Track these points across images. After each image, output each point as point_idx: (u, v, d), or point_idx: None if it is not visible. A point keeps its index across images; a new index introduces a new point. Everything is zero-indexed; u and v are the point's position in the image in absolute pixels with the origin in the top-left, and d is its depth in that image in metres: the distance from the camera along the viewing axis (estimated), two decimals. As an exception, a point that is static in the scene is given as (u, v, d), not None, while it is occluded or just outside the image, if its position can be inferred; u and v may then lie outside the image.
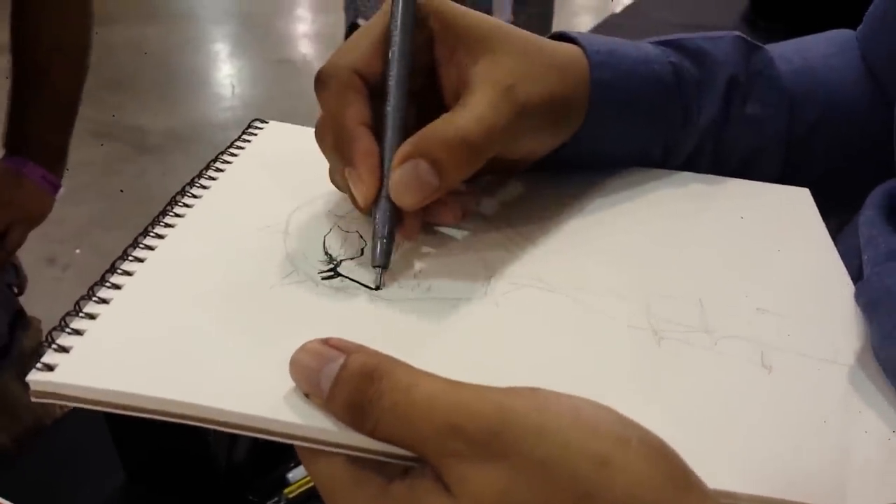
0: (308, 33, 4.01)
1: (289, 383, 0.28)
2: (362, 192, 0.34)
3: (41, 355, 0.29)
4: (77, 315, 0.31)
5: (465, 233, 0.38)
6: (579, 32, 0.42)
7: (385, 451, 0.26)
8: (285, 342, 0.28)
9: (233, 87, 3.38)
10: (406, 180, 0.33)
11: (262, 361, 0.29)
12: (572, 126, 0.40)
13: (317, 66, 0.37)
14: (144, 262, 0.34)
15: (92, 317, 0.31)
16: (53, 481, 0.66)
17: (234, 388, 0.28)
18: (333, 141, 0.35)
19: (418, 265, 0.35)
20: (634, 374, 0.31)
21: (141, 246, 0.35)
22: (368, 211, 0.35)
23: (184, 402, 0.27)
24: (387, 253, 0.34)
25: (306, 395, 0.27)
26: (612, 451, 0.24)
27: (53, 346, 0.29)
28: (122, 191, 2.41)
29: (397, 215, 0.35)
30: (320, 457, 0.27)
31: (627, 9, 1.77)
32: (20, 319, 0.94)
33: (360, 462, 0.27)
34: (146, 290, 0.33)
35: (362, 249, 0.36)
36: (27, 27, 0.93)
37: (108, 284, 0.32)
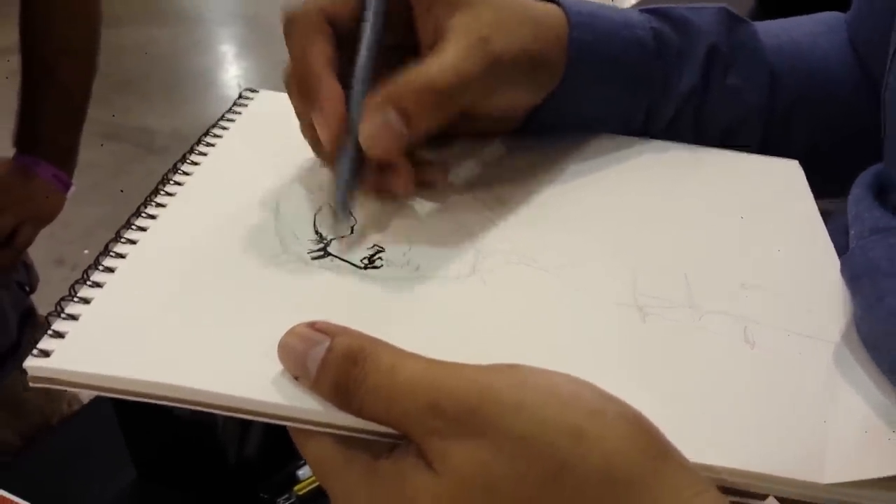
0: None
1: (278, 365, 0.28)
2: (326, 135, 0.34)
3: (38, 340, 0.29)
4: (72, 300, 0.31)
5: (453, 208, 0.38)
6: None
7: (372, 430, 0.27)
8: (275, 324, 0.28)
9: (240, 88, 3.38)
10: (376, 128, 0.34)
11: (253, 343, 0.29)
12: (549, 84, 0.40)
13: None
14: (136, 245, 0.34)
15: (86, 301, 0.31)
16: (64, 477, 0.66)
17: (225, 370, 0.28)
18: (297, 82, 0.35)
19: (407, 243, 0.36)
20: (619, 351, 0.32)
21: (133, 228, 0.35)
22: (332, 158, 0.35)
23: (176, 386, 0.28)
24: (345, 203, 0.35)
25: (295, 378, 0.28)
26: (587, 423, 0.24)
27: (49, 332, 0.30)
28: (121, 190, 2.42)
29: (360, 166, 0.35)
30: (311, 437, 0.28)
31: (635, 5, 1.76)
32: (30, 318, 0.95)
33: (348, 441, 0.27)
34: (138, 273, 0.33)
35: (352, 228, 0.36)
36: (36, 27, 0.93)
37: (101, 268, 0.33)
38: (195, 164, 0.40)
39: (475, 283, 0.34)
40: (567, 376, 0.26)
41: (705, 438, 0.28)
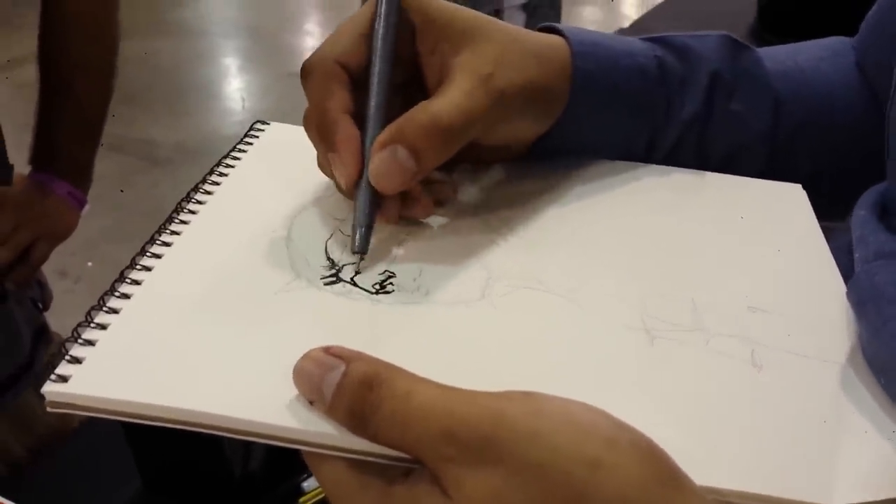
0: (316, 47, 4.01)
1: (293, 390, 0.29)
2: (344, 176, 0.36)
3: (55, 366, 0.30)
4: (88, 326, 0.31)
5: (462, 231, 0.39)
6: (565, 25, 0.43)
7: (386, 455, 0.27)
8: (289, 349, 0.29)
9: (243, 100, 3.40)
10: (385, 166, 0.35)
11: (267, 369, 0.30)
12: (553, 114, 0.41)
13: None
14: (152, 271, 0.35)
15: (103, 327, 0.32)
16: (71, 489, 0.67)
17: (241, 395, 0.29)
18: (316, 128, 0.36)
19: (417, 268, 0.36)
20: (628, 374, 0.32)
21: (148, 255, 0.36)
22: (352, 195, 0.36)
23: (192, 411, 0.28)
24: (365, 239, 0.36)
25: (310, 403, 0.28)
26: (603, 453, 0.24)
27: (66, 357, 0.30)
28: (121, 195, 2.42)
29: (377, 202, 0.36)
30: (325, 461, 0.28)
31: (634, 24, 1.78)
32: (44, 335, 0.95)
33: (363, 465, 0.28)
34: (154, 299, 0.33)
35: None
36: (55, 44, 0.94)
37: (117, 294, 0.33)
38: (208, 192, 0.40)
39: (485, 308, 0.34)
40: (580, 404, 0.26)
41: (714, 461, 0.28)
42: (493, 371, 0.30)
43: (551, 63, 0.40)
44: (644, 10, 1.73)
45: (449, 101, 0.36)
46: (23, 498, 0.55)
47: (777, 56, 0.49)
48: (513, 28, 0.39)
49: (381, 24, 0.37)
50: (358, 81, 0.37)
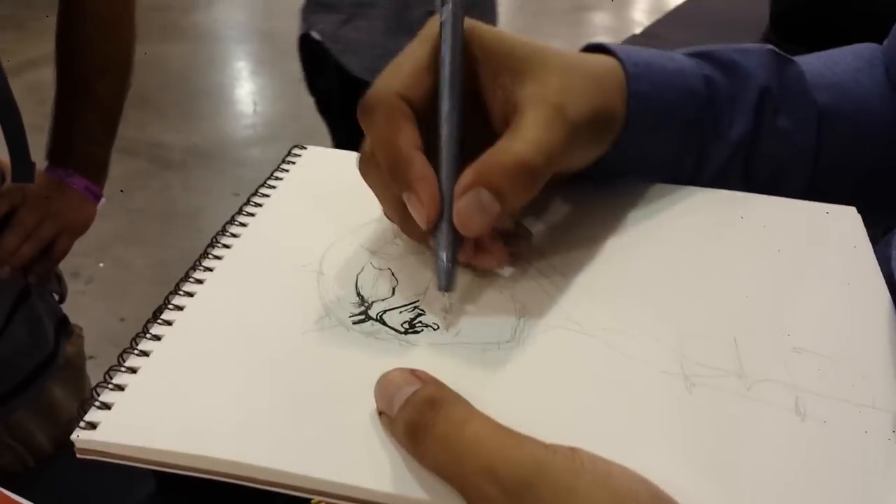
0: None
1: (320, 438, 0.29)
2: (423, 217, 0.34)
3: (86, 411, 0.29)
4: (120, 369, 0.31)
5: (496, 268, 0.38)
6: (614, 44, 0.42)
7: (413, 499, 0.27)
8: (315, 394, 0.29)
9: (255, 104, 3.41)
10: (470, 209, 0.33)
11: (292, 415, 0.30)
12: (611, 138, 0.40)
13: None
14: (183, 311, 0.34)
15: (133, 371, 0.31)
16: (85, 489, 0.67)
17: (268, 443, 0.29)
18: (388, 166, 0.35)
19: (449, 304, 0.35)
20: (664, 426, 0.30)
21: (181, 293, 0.35)
22: (427, 235, 0.35)
23: (222, 460, 0.28)
24: (452, 276, 0.34)
25: (379, 414, 0.29)
26: None
27: (96, 402, 0.30)
28: (134, 197, 2.43)
29: (458, 241, 0.35)
30: None
31: (646, 31, 1.78)
32: (65, 327, 0.97)
33: None
34: (184, 341, 0.33)
35: (394, 289, 0.36)
36: (74, 43, 0.95)
37: (148, 336, 0.33)
38: (243, 224, 0.40)
39: (516, 350, 0.33)
40: (623, 469, 0.26)
41: None
42: (521, 418, 0.29)
43: (610, 86, 0.40)
44: (655, 17, 1.73)
45: (530, 139, 0.34)
46: (37, 497, 0.55)
47: (815, 68, 0.48)
48: (569, 54, 0.39)
49: (448, 55, 0.36)
50: (421, 117, 0.36)
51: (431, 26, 0.37)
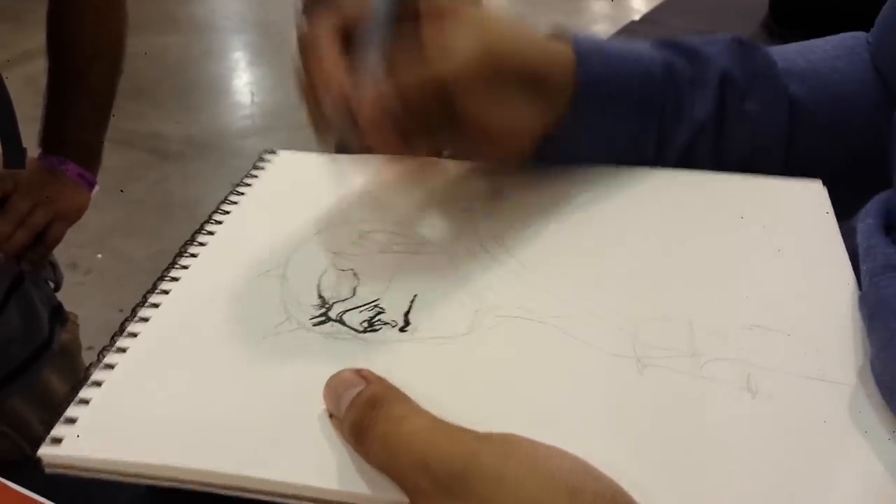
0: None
1: (276, 441, 0.29)
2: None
3: (52, 426, 0.30)
4: (85, 383, 0.31)
5: (456, 255, 0.38)
6: (575, 32, 0.43)
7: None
8: (273, 398, 0.30)
9: (252, 95, 3.40)
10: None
11: (251, 421, 0.30)
12: (555, 109, 0.41)
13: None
14: (148, 322, 0.34)
15: (98, 384, 0.31)
16: (78, 486, 0.67)
17: (229, 450, 0.29)
18: (305, 62, 0.38)
19: (407, 301, 0.36)
20: (611, 409, 0.30)
21: (147, 305, 0.35)
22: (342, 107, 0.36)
23: (187, 469, 0.28)
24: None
25: (330, 416, 0.30)
26: (562, 502, 0.24)
27: (63, 418, 0.30)
28: (131, 189, 2.43)
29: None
30: None
31: (645, 17, 1.77)
32: (59, 314, 0.97)
33: None
34: (149, 352, 0.33)
35: (354, 289, 0.37)
36: (66, 32, 0.95)
37: (113, 350, 0.33)
38: (210, 233, 0.40)
39: (472, 343, 0.34)
40: (556, 450, 0.26)
41: (701, 500, 0.27)
42: (475, 409, 0.29)
43: (555, 56, 0.41)
44: (653, 4, 1.72)
45: (447, 56, 0.37)
46: (36, 485, 0.55)
47: (789, 55, 0.48)
48: (526, 22, 0.40)
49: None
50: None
51: None
